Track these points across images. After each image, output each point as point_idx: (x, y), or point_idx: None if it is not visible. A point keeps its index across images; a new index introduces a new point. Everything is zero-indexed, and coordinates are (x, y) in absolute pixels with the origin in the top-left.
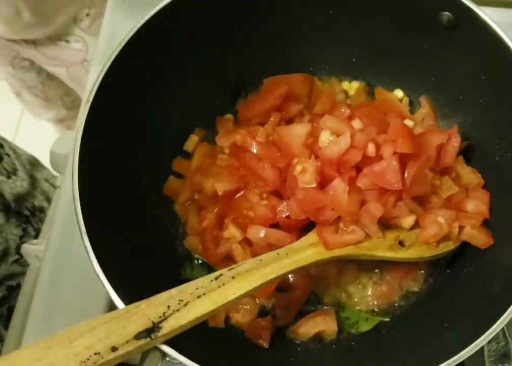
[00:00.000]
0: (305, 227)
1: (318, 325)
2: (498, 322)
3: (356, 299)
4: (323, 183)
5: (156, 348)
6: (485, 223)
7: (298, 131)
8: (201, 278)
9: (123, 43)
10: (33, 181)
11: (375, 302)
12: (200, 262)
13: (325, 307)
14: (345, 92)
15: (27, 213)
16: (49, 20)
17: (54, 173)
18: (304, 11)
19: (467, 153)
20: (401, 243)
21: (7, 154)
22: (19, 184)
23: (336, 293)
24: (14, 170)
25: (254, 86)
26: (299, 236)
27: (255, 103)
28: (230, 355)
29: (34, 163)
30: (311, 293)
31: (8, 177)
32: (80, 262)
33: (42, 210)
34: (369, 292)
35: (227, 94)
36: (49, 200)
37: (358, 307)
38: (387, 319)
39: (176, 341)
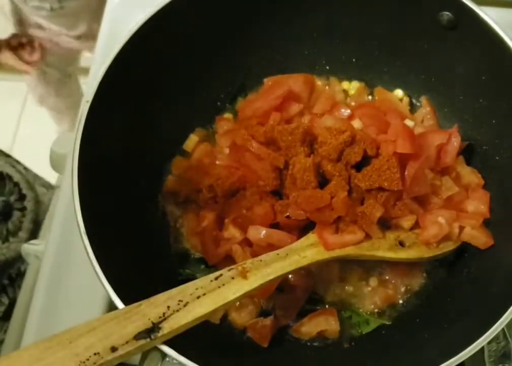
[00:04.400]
0: (304, 227)
1: (320, 324)
2: (498, 322)
3: (357, 299)
4: (323, 183)
5: (156, 348)
6: (485, 224)
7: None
8: (201, 278)
9: (122, 43)
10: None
11: (376, 302)
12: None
13: (328, 307)
14: (345, 92)
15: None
16: None
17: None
18: (304, 12)
19: (467, 153)
20: (401, 243)
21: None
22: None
23: (337, 293)
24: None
25: (254, 86)
26: (299, 236)
27: (255, 103)
28: (230, 355)
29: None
30: (313, 292)
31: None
32: (79, 262)
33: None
34: (369, 292)
35: (227, 94)
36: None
37: (358, 307)
38: (388, 322)
39: (176, 341)
